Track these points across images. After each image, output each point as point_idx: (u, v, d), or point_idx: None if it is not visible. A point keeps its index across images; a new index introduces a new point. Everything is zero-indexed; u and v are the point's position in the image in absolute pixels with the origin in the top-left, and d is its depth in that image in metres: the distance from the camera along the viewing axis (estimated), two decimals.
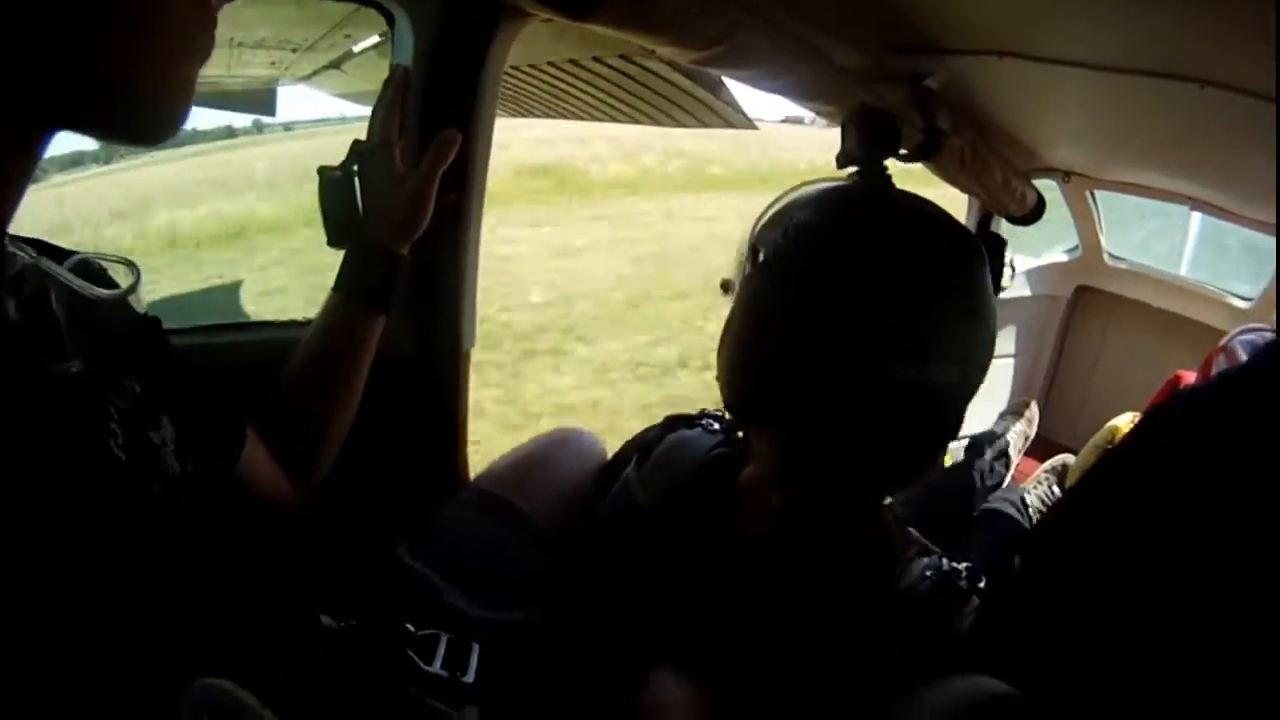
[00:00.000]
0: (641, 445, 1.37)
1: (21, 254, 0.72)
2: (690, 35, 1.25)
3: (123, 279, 0.88)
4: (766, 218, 1.09)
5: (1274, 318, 3.34)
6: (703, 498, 1.19)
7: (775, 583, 1.08)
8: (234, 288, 9.42)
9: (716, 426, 1.32)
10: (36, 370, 0.69)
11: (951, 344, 0.99)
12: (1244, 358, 2.68)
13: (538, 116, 2.98)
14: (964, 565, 1.12)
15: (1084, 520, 1.09)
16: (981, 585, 1.11)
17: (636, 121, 2.54)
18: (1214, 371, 2.69)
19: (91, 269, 0.84)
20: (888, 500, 1.22)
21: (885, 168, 1.11)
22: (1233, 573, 0.86)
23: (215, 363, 1.14)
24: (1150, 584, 0.92)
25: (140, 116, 0.61)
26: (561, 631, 1.22)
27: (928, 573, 1.09)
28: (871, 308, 0.96)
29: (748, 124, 2.31)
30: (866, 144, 1.10)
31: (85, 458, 0.73)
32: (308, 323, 1.30)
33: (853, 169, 1.13)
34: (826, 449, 1.04)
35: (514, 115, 3.14)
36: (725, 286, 1.14)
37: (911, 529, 1.38)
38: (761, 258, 1.04)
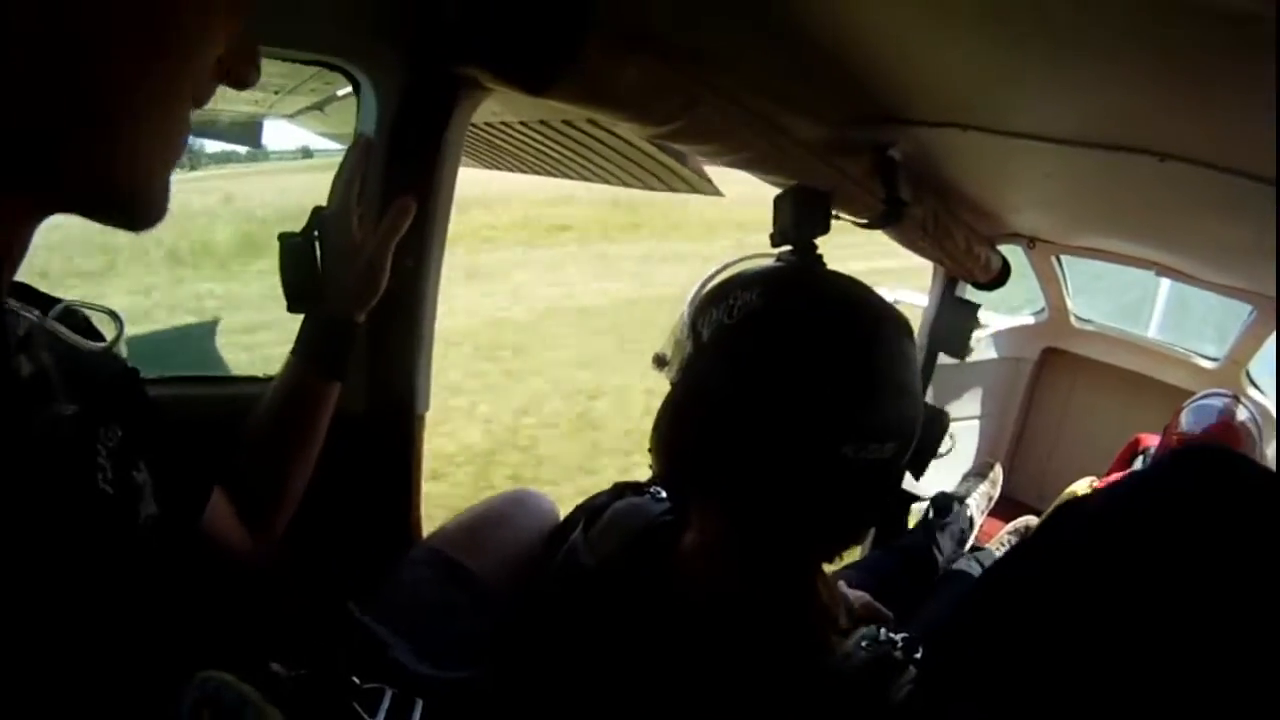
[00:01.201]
0: (590, 510, 1.37)
1: (27, 314, 0.75)
2: (647, 112, 1.28)
3: (106, 329, 0.90)
4: (705, 294, 1.11)
5: (1239, 378, 3.39)
6: (645, 564, 1.20)
7: (708, 647, 1.09)
8: None
9: (664, 495, 1.32)
10: (36, 414, 0.72)
11: (889, 420, 1.01)
12: (1200, 420, 2.72)
13: (505, 170, 3.01)
14: (900, 636, 1.13)
15: (999, 601, 1.12)
16: (918, 655, 1.11)
17: (605, 182, 2.57)
18: (1173, 438, 2.73)
19: (76, 318, 0.86)
20: (829, 568, 1.23)
21: (816, 247, 1.13)
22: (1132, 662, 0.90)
23: (184, 413, 1.15)
24: (1056, 668, 0.96)
25: (136, 208, 0.65)
26: (503, 692, 1.22)
27: (863, 644, 1.09)
28: (816, 388, 0.98)
29: (713, 191, 2.33)
30: (799, 223, 1.12)
31: (78, 489, 0.76)
32: (270, 379, 1.32)
33: (786, 248, 1.14)
34: (763, 520, 1.06)
35: (484, 167, 3.16)
36: (659, 362, 1.15)
37: (860, 593, 1.39)
38: (705, 337, 1.06)
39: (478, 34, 1.15)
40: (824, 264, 1.13)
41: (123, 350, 0.90)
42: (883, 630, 1.12)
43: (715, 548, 1.13)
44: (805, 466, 0.99)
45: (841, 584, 1.48)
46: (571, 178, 2.65)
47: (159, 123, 0.62)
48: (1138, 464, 3.09)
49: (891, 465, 1.03)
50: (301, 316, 1.30)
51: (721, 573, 1.12)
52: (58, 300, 0.86)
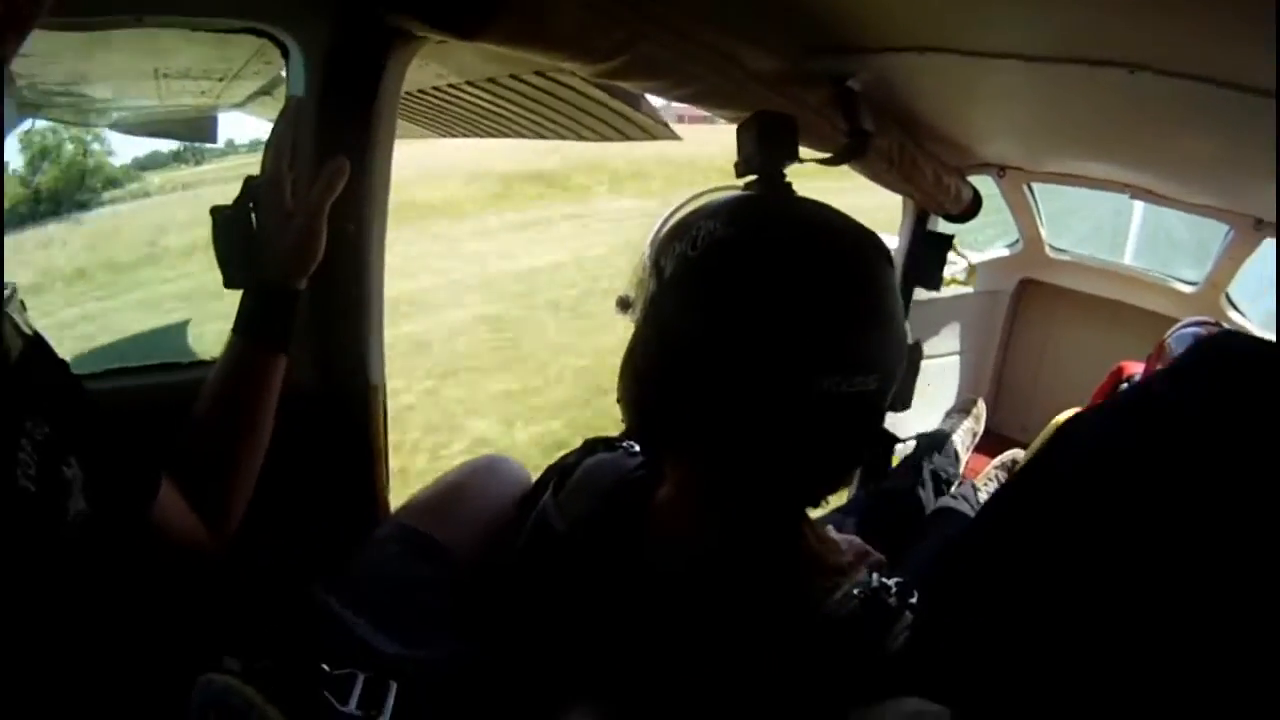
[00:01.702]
0: (560, 470, 1.33)
1: None
2: (587, 50, 1.23)
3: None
4: (667, 229, 1.05)
5: (1219, 302, 3.37)
6: (618, 522, 1.15)
7: (690, 611, 1.05)
8: None
9: (637, 449, 1.28)
10: None
11: (870, 350, 0.96)
12: (1178, 352, 2.70)
13: (459, 136, 2.96)
14: (894, 581, 1.09)
15: (996, 540, 1.07)
16: (913, 600, 1.07)
17: (560, 136, 2.53)
18: (1156, 366, 2.71)
19: None
20: (813, 514, 1.19)
21: (784, 175, 1.08)
22: (1143, 590, 0.85)
23: (127, 406, 1.09)
24: (1061, 600, 0.91)
25: None
26: (479, 668, 1.18)
27: (855, 591, 1.05)
28: (789, 318, 0.93)
29: (670, 135, 2.29)
30: (765, 151, 1.07)
31: None
32: (211, 362, 1.27)
33: (752, 177, 1.09)
34: (743, 465, 1.01)
35: (438, 135, 3.11)
36: (623, 304, 1.10)
37: (849, 537, 1.35)
38: (668, 273, 1.00)
39: None
40: (792, 191, 1.08)
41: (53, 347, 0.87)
42: (875, 576, 1.08)
43: (691, 501, 1.09)
44: (782, 404, 0.94)
45: (830, 529, 1.43)
46: (525, 136, 2.61)
47: None
48: (1122, 391, 3.07)
49: (875, 398, 0.99)
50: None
51: (699, 527, 1.08)
52: None
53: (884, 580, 1.07)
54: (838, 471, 1.07)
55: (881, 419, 1.04)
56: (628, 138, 2.44)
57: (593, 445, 1.36)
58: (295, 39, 1.29)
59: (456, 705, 1.13)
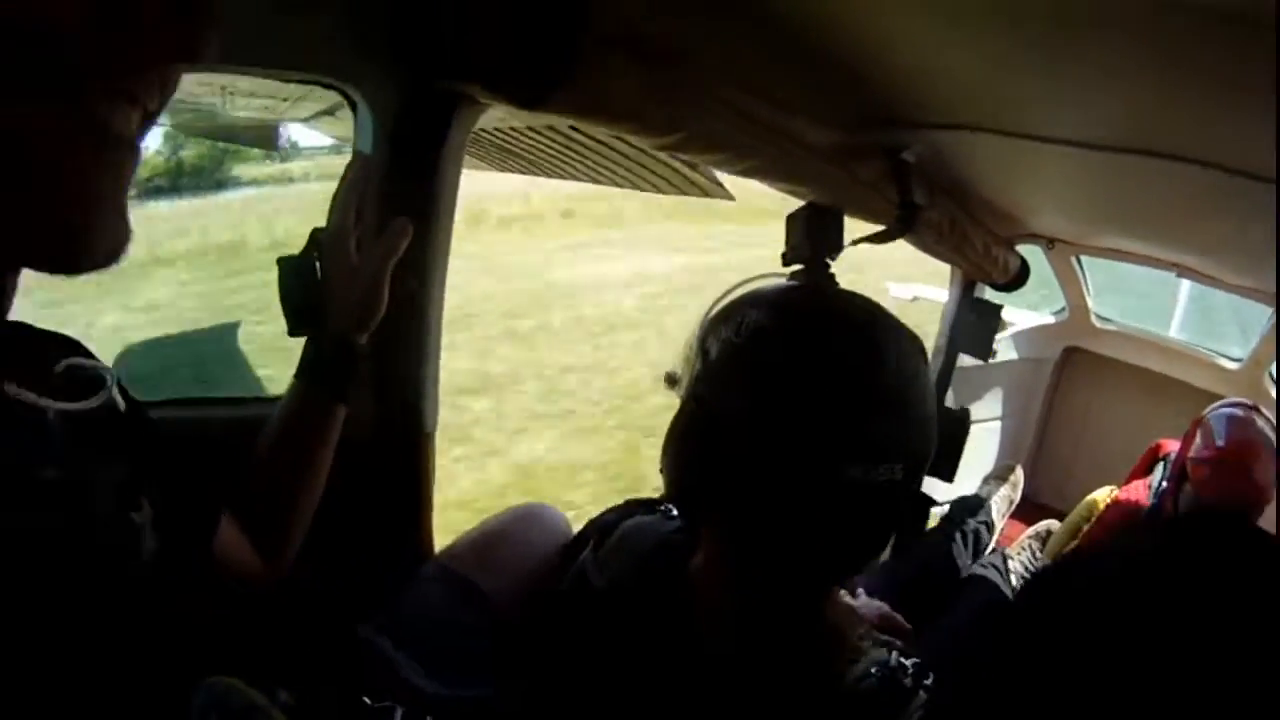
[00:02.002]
0: (600, 528, 1.36)
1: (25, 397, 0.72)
2: (646, 124, 1.25)
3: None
4: (715, 313, 1.10)
5: (1263, 380, 3.35)
6: (654, 584, 1.19)
7: (714, 678, 1.07)
8: None
9: (675, 512, 1.31)
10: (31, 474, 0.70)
11: (897, 442, 1.00)
12: (1218, 432, 2.69)
13: (519, 173, 3.00)
14: (911, 661, 1.11)
15: (1007, 646, 1.10)
16: (928, 682, 1.10)
17: (616, 185, 2.57)
18: (1193, 445, 2.70)
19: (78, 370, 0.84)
20: (842, 590, 1.21)
21: (829, 266, 1.12)
22: None
23: (190, 436, 1.14)
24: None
25: (71, 253, 0.57)
26: (512, 711, 1.22)
27: (873, 670, 1.08)
28: (821, 409, 0.96)
29: (725, 195, 2.32)
30: (812, 242, 1.11)
31: (74, 541, 0.74)
32: (274, 399, 1.32)
33: (798, 266, 1.13)
34: (770, 542, 1.04)
35: (497, 170, 3.15)
36: (670, 380, 1.14)
37: (878, 603, 1.37)
38: (712, 357, 1.04)
39: (470, 50, 1.13)
40: (836, 282, 1.11)
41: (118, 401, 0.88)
42: (894, 654, 1.10)
43: (722, 569, 1.12)
44: (809, 488, 0.98)
45: (861, 593, 1.45)
46: (582, 180, 2.65)
47: (68, 165, 0.54)
48: (1157, 471, 3.06)
49: (901, 488, 1.01)
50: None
51: (728, 595, 1.11)
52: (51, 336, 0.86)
53: (902, 660, 1.09)
54: (860, 555, 1.10)
55: (908, 507, 1.07)
56: (684, 193, 2.47)
57: (632, 507, 1.39)
58: (364, 97, 1.33)
59: None
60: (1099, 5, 0.91)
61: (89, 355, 0.90)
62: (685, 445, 1.07)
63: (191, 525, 1.02)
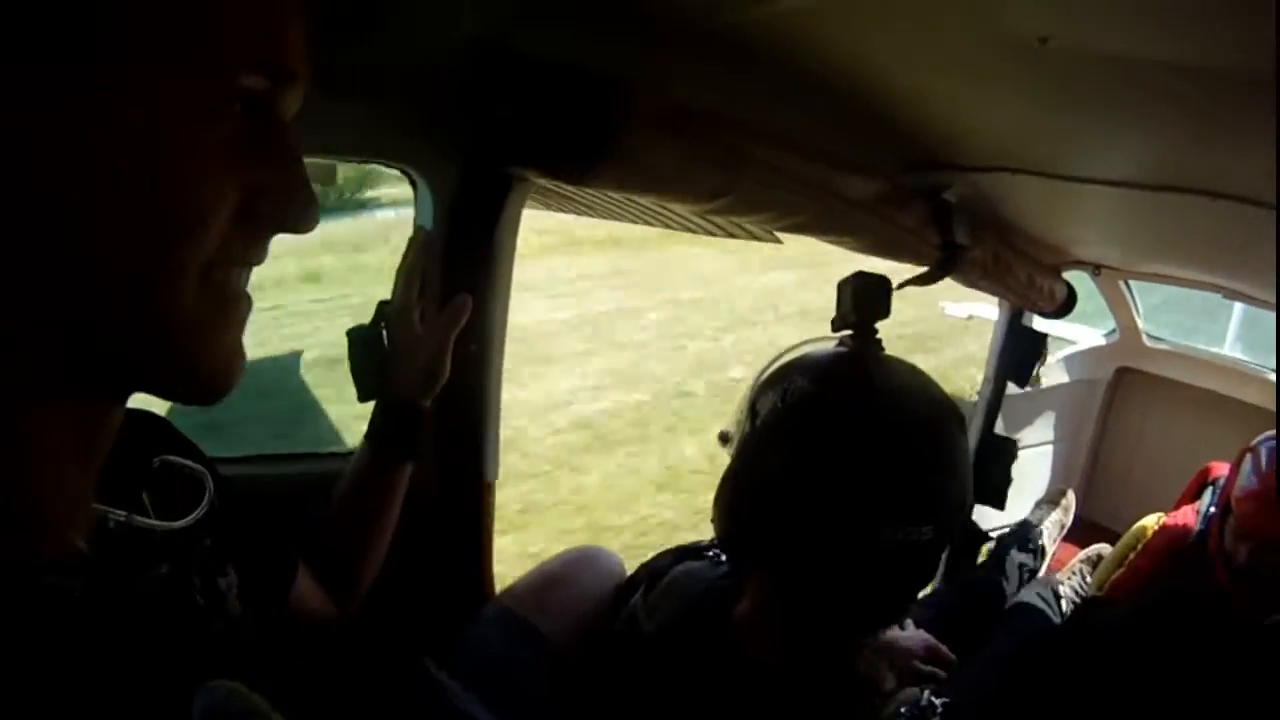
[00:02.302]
0: (651, 572, 1.42)
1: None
2: (690, 192, 1.31)
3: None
4: (765, 377, 1.15)
5: None
6: (701, 628, 1.24)
7: (760, 718, 1.13)
8: None
9: (724, 558, 1.36)
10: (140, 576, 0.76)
11: (928, 506, 1.05)
12: (1265, 465, 2.67)
13: (569, 213, 3.05)
14: (941, 701, 1.16)
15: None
16: None
17: (669, 227, 2.60)
18: (1242, 469, 2.69)
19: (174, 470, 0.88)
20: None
21: (876, 332, 1.17)
22: None
23: (265, 491, 1.21)
24: None
25: (199, 386, 0.65)
26: None
27: (902, 710, 1.13)
28: (857, 474, 1.02)
29: (772, 239, 2.36)
30: (860, 309, 1.16)
31: (180, 611, 0.81)
32: (348, 454, 1.42)
33: (846, 332, 1.18)
34: (810, 594, 1.11)
35: (548, 209, 3.20)
36: (723, 438, 1.20)
37: (922, 635, 1.41)
38: (760, 420, 1.10)
39: (522, 135, 1.20)
40: (881, 348, 1.17)
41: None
42: (926, 694, 1.15)
43: (763, 617, 1.17)
44: (844, 546, 1.04)
45: (909, 624, 1.50)
46: (638, 223, 2.69)
47: (185, 294, 0.60)
48: (1206, 496, 3.03)
49: (929, 548, 1.07)
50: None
51: (767, 642, 1.17)
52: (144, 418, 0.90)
53: (933, 699, 1.14)
54: (890, 608, 1.16)
55: (937, 560, 1.13)
56: (733, 236, 2.51)
57: (683, 552, 1.44)
58: (424, 178, 1.40)
59: None
60: (1121, 69, 0.96)
61: (178, 437, 0.96)
62: (734, 499, 1.13)
63: (272, 586, 1.09)
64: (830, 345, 1.21)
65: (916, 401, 1.10)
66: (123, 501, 0.75)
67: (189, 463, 0.89)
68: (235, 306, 0.66)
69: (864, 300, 1.16)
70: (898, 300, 1.24)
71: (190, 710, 0.71)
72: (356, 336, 1.36)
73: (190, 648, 0.81)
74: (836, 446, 1.04)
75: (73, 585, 0.63)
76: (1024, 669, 2.21)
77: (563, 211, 2.99)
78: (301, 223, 0.67)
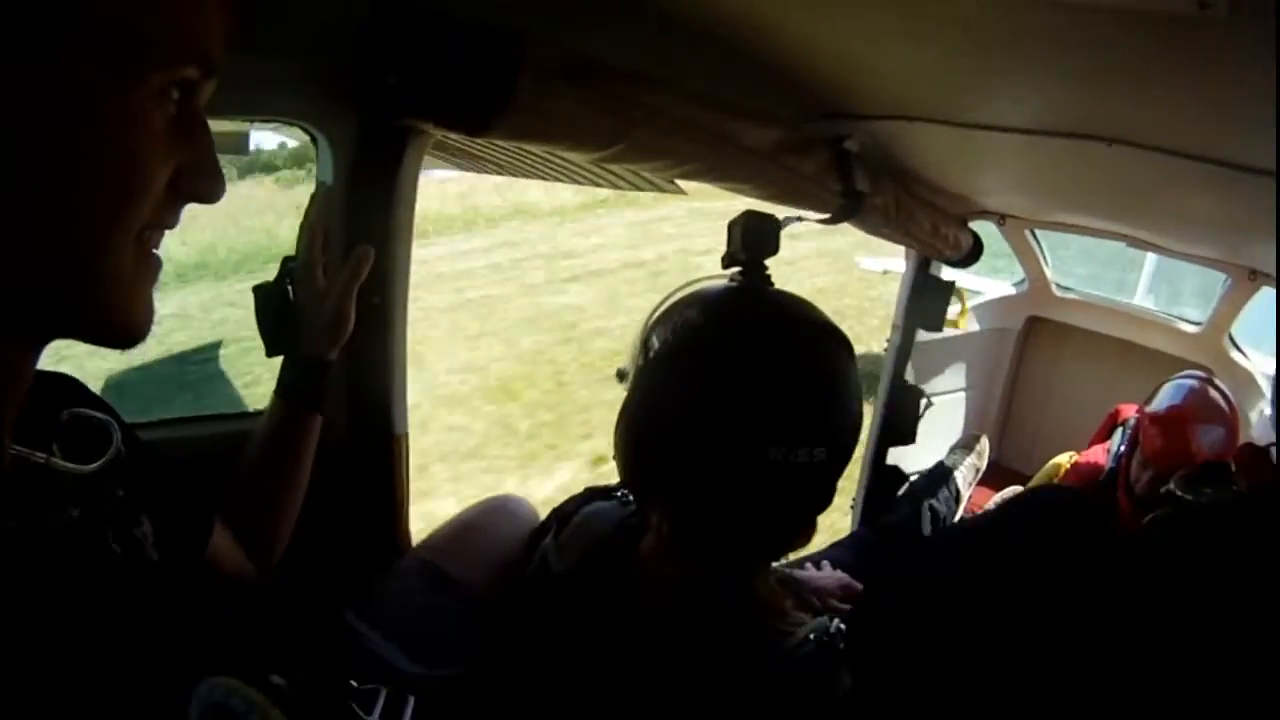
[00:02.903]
0: (560, 515, 1.44)
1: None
2: (584, 141, 1.34)
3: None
4: (658, 314, 1.18)
5: (1222, 343, 3.43)
6: (608, 567, 1.27)
7: (660, 653, 1.16)
8: None
9: (632, 498, 1.39)
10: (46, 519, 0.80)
11: (818, 428, 1.08)
12: (1167, 396, 2.80)
13: (484, 174, 3.05)
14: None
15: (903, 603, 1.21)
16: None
17: (575, 183, 2.61)
18: (1157, 397, 2.81)
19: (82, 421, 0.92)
20: (816, 546, 1.30)
21: (765, 268, 1.19)
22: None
23: (182, 453, 1.22)
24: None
25: (120, 333, 0.73)
26: (488, 687, 1.30)
27: (810, 635, 1.16)
28: (743, 398, 1.05)
29: (675, 189, 2.38)
30: (750, 247, 1.18)
31: (92, 556, 0.85)
32: (258, 413, 1.43)
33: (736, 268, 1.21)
34: (708, 522, 1.13)
35: (468, 170, 3.19)
36: (620, 375, 1.23)
37: (838, 574, 1.45)
38: (652, 352, 1.13)
39: (416, 88, 1.22)
40: (769, 283, 1.19)
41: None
42: (835, 622, 1.18)
43: (664, 550, 1.20)
44: (736, 470, 1.06)
45: (825, 564, 1.54)
46: (544, 179, 2.69)
47: (120, 254, 0.69)
48: (1116, 436, 3.15)
49: (824, 469, 1.10)
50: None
51: (669, 574, 1.19)
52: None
53: (841, 626, 1.18)
54: (789, 531, 1.18)
55: (833, 485, 1.15)
56: (638, 189, 2.53)
57: (591, 494, 1.47)
58: (323, 133, 1.41)
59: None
60: (1022, 10, 0.99)
61: (88, 395, 0.99)
62: (629, 433, 1.15)
63: (188, 539, 1.11)
64: (721, 283, 1.23)
65: (801, 326, 1.13)
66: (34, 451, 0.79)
67: (96, 413, 0.92)
68: (155, 264, 0.74)
69: (753, 238, 1.19)
70: (815, 259, 1.27)
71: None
72: (262, 293, 1.37)
73: (103, 589, 0.84)
74: (723, 372, 1.06)
75: None
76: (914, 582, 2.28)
77: (464, 169, 2.99)
78: (214, 196, 0.76)
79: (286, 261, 1.38)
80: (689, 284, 1.22)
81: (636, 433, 1.15)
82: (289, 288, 1.38)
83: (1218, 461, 2.38)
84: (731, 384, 1.06)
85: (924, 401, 3.05)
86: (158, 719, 0.80)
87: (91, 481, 0.86)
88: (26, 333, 0.70)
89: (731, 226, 1.21)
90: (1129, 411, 3.17)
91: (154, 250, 0.74)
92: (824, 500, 1.15)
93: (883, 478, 3.08)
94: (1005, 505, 2.55)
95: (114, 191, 0.66)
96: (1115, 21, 0.93)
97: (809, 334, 1.13)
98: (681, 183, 1.91)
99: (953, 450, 3.48)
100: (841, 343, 1.14)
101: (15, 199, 0.62)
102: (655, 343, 1.14)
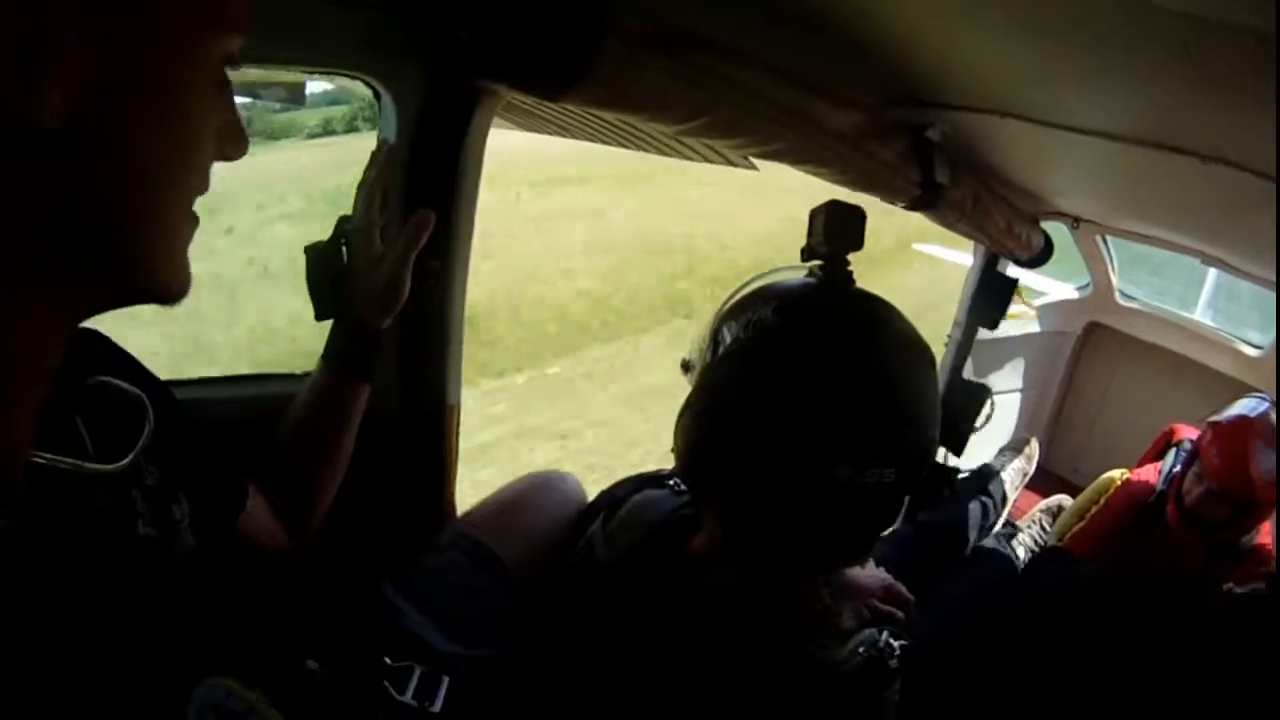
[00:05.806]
0: (611, 500, 1.40)
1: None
2: (668, 112, 1.27)
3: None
4: (729, 306, 1.12)
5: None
6: (655, 559, 1.22)
7: (705, 651, 1.11)
8: None
9: (684, 488, 1.34)
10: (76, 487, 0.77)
11: (891, 449, 1.02)
12: (1228, 417, 2.73)
13: (549, 135, 3.01)
14: (899, 643, 1.14)
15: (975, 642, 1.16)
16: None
17: (643, 150, 2.56)
18: (1210, 420, 2.74)
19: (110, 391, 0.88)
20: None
21: (848, 263, 1.13)
22: None
23: (216, 415, 1.18)
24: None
25: (170, 290, 0.72)
26: (524, 671, 1.26)
27: (860, 649, 1.11)
28: (817, 412, 0.99)
29: (748, 165, 2.32)
30: (831, 240, 1.12)
31: (121, 542, 0.82)
32: (303, 375, 1.36)
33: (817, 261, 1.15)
34: (764, 532, 1.09)
35: (524, 130, 3.15)
36: (685, 366, 1.17)
37: (882, 574, 1.41)
38: (722, 347, 1.08)
39: (493, 47, 1.15)
40: (851, 281, 1.13)
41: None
42: (885, 634, 1.14)
43: (717, 550, 1.15)
44: (799, 484, 1.01)
45: (870, 563, 1.50)
46: (611, 145, 2.65)
47: (179, 211, 0.71)
48: (1169, 457, 3.06)
49: (890, 492, 1.04)
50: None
51: (721, 575, 1.14)
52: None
53: (890, 641, 1.13)
54: (847, 550, 1.15)
55: (898, 506, 1.10)
56: (709, 161, 2.47)
57: (643, 481, 1.42)
58: (388, 89, 1.35)
59: (502, 703, 1.22)
60: (1122, 12, 0.93)
61: (118, 356, 0.97)
62: (692, 429, 1.10)
63: (222, 513, 1.07)
64: (799, 275, 1.17)
65: (882, 337, 1.07)
66: (58, 426, 0.77)
67: (127, 386, 0.88)
68: (195, 223, 0.75)
69: (836, 230, 1.12)
70: (875, 240, 1.21)
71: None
72: (314, 253, 1.29)
73: (132, 581, 0.81)
74: (797, 382, 1.01)
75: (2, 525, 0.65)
76: (985, 621, 2.24)
77: (529, 130, 2.95)
78: (240, 155, 0.79)
79: (342, 221, 1.30)
80: (764, 274, 1.16)
81: (699, 431, 1.09)
82: (343, 249, 1.30)
83: None
84: (803, 395, 1.00)
85: (988, 402, 2.96)
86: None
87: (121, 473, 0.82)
88: (77, 289, 0.68)
89: (813, 216, 1.15)
90: (1183, 432, 3.09)
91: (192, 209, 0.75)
92: (888, 522, 1.10)
93: (932, 474, 2.94)
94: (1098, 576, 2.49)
95: (181, 153, 0.69)
96: (1230, 37, 0.87)
97: (890, 345, 1.07)
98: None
99: (1002, 451, 3.42)
100: (924, 356, 1.09)
101: (100, 158, 0.63)
102: (726, 337, 1.08)
